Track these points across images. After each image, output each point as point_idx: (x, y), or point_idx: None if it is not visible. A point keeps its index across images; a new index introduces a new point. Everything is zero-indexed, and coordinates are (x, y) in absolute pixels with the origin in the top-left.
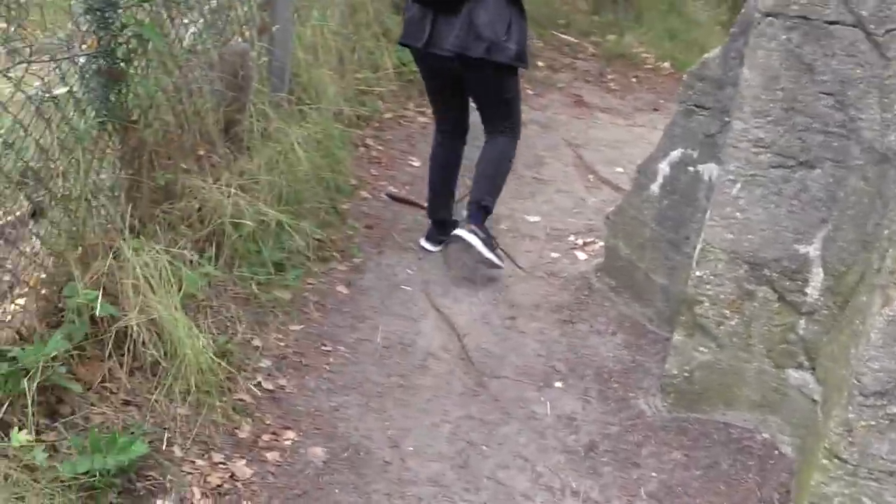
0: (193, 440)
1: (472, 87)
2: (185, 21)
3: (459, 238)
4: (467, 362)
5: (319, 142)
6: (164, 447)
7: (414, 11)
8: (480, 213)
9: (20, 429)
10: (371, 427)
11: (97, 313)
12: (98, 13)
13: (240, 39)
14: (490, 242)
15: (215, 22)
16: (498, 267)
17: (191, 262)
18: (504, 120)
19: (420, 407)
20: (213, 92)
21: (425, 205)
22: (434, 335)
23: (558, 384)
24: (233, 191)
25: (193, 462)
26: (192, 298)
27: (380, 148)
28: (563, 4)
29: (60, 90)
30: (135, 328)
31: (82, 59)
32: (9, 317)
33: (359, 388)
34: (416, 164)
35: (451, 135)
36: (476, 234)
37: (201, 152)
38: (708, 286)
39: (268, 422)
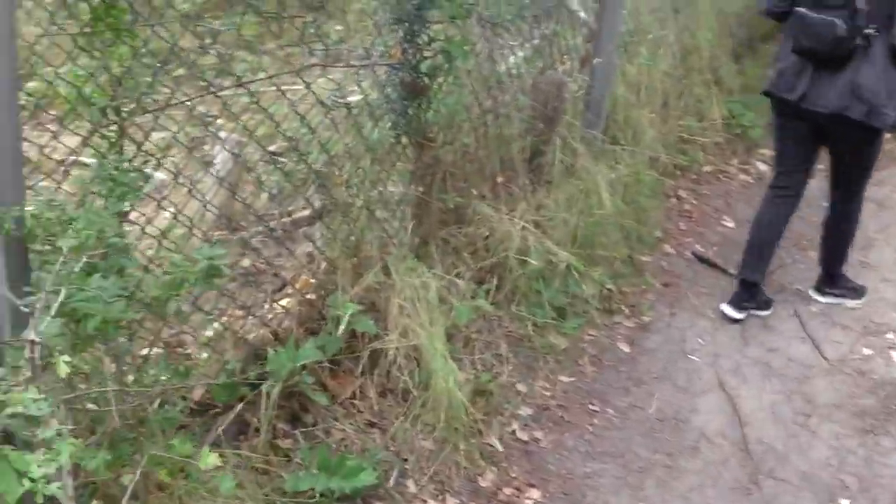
0: (430, 478)
1: (837, 143)
2: (511, 44)
3: (818, 302)
4: (745, 454)
5: (627, 186)
6: (398, 478)
7: (790, 62)
8: (831, 278)
9: (213, 448)
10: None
11: (344, 328)
12: (406, 25)
13: (559, 68)
14: (845, 294)
15: (541, 48)
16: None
17: (464, 293)
18: (856, 182)
19: (681, 493)
20: (521, 119)
21: (732, 271)
22: (713, 416)
23: (844, 502)
24: (524, 224)
25: (425, 501)
26: (460, 328)
27: (693, 202)
28: None
29: (355, 97)
30: (392, 351)
31: (383, 69)
32: (269, 316)
33: (619, 459)
34: (730, 224)
35: (786, 193)
36: (830, 294)
37: (500, 179)
38: None
39: (513, 474)
